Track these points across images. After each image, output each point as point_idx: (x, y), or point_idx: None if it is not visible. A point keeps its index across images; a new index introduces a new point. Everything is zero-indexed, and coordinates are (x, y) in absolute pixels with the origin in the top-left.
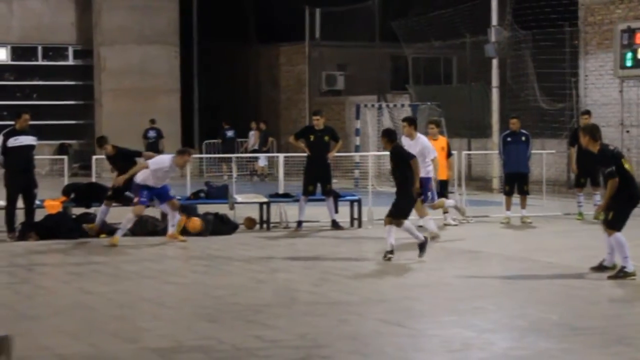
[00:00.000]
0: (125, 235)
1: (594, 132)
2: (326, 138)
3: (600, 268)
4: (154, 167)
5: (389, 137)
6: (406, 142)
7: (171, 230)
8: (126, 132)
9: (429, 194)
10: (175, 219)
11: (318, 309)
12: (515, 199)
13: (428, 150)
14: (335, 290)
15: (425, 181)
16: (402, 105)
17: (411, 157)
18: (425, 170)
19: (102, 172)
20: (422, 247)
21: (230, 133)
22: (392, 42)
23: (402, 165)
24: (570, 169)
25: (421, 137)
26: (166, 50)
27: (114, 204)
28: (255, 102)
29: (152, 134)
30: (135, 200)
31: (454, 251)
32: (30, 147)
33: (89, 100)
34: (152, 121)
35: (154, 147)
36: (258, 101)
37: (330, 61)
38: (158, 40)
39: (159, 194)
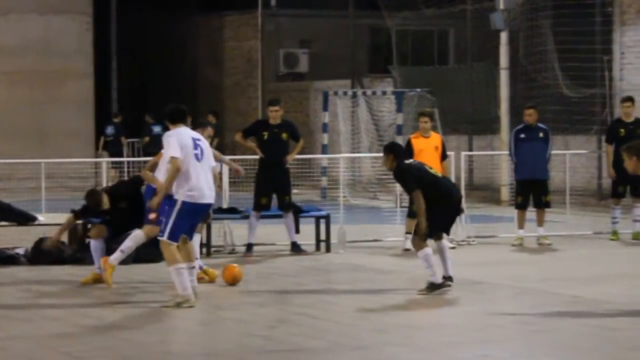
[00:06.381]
0: (21, 264)
1: None
2: (284, 136)
3: None
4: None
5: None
6: None
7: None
8: (22, 131)
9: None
10: (126, 245)
11: (274, 358)
12: (531, 213)
13: None
14: (295, 334)
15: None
16: (384, 93)
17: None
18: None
19: None
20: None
21: (157, 129)
22: (370, 10)
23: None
24: (607, 174)
25: None
26: (76, 21)
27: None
28: (191, 89)
29: (110, 130)
30: (153, 216)
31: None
32: None
33: None
34: (115, 115)
35: (114, 147)
36: (195, 87)
37: (291, 36)
38: (65, 8)
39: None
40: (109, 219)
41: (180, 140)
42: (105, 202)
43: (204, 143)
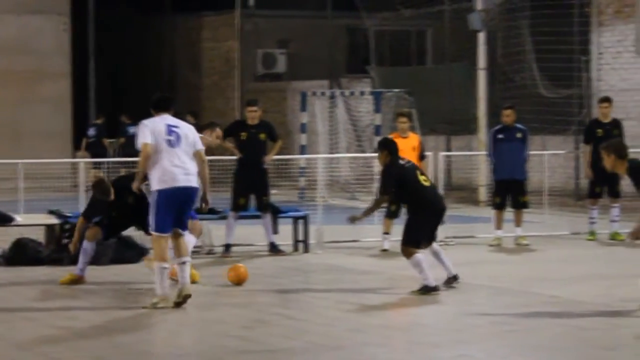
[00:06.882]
0: None
1: (619, 149)
2: (262, 136)
3: None
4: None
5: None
6: None
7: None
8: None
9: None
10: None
11: (252, 358)
12: (509, 213)
13: None
14: (273, 335)
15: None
16: (362, 93)
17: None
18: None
19: None
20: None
21: (133, 129)
22: (348, 11)
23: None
24: (584, 174)
25: None
26: (53, 21)
27: None
28: (170, 89)
29: (92, 131)
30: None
31: None
32: None
33: None
34: (97, 116)
35: (96, 148)
36: (174, 88)
37: (269, 36)
38: (42, 8)
39: None
40: (114, 215)
41: (152, 127)
42: (111, 193)
43: (184, 130)
